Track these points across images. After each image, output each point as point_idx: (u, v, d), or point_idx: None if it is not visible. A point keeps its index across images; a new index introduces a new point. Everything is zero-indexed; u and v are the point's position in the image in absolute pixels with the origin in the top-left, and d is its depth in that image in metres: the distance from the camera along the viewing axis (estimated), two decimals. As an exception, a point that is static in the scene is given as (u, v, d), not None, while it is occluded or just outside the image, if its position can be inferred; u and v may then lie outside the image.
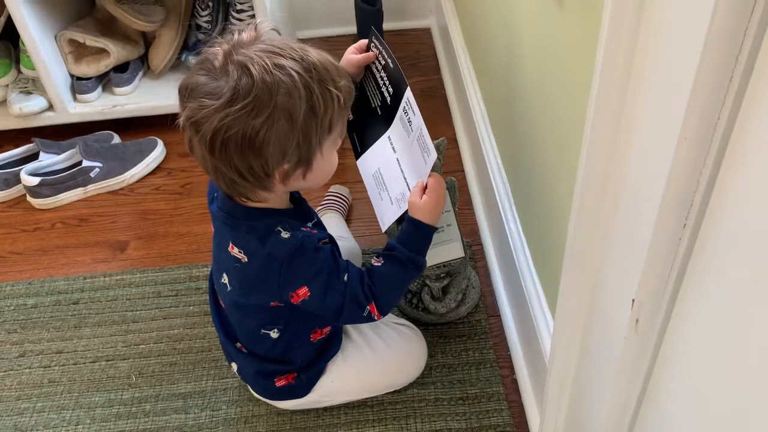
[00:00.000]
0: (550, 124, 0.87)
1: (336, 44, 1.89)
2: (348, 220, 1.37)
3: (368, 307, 0.89)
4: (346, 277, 0.87)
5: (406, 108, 0.92)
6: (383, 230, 0.95)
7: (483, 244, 1.29)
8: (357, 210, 1.40)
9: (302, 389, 1.03)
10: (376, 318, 0.90)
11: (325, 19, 1.91)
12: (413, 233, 0.91)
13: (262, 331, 0.95)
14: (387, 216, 0.94)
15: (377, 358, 1.04)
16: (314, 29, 1.92)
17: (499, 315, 1.17)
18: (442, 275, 1.10)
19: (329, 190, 1.39)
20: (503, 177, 1.17)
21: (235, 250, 0.87)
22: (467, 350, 1.12)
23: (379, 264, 0.90)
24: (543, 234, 0.96)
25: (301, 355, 1.00)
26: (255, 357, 1.00)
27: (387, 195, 0.95)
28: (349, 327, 1.06)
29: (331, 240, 0.91)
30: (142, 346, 1.17)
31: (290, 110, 0.76)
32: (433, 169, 0.97)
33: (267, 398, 1.05)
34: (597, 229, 0.63)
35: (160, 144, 1.57)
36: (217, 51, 0.78)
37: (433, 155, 0.84)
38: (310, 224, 0.91)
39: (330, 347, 1.03)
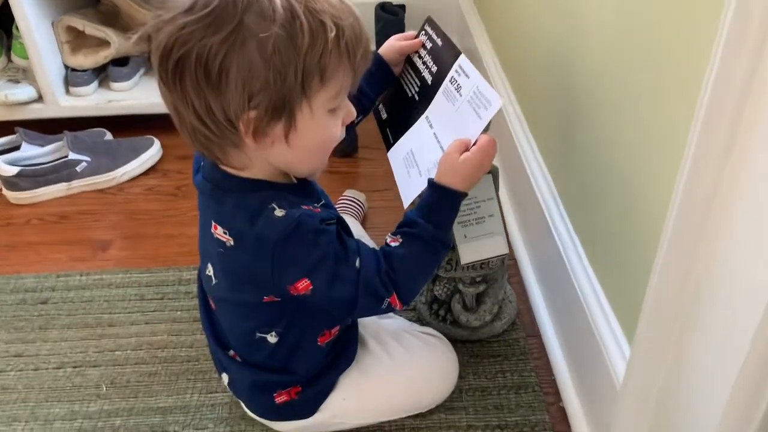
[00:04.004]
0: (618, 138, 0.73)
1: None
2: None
3: (388, 299, 0.73)
4: (358, 263, 0.71)
5: (455, 77, 0.81)
6: (405, 206, 0.80)
7: (517, 257, 1.13)
8: (372, 219, 1.25)
9: (307, 407, 0.85)
10: (397, 308, 0.74)
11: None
12: (438, 201, 0.74)
13: (258, 334, 0.78)
14: (412, 188, 0.80)
15: (399, 372, 0.87)
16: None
17: (539, 335, 1.00)
18: (477, 279, 0.93)
19: (344, 194, 1.24)
20: (542, 167, 1.03)
21: (218, 231, 0.71)
22: (504, 372, 0.94)
23: (397, 244, 0.74)
24: (607, 236, 0.81)
25: (306, 364, 0.82)
26: (250, 366, 0.83)
27: (416, 170, 0.82)
28: (366, 335, 0.89)
29: (339, 221, 0.75)
30: (117, 352, 0.99)
31: (259, 34, 0.59)
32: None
33: (263, 417, 0.87)
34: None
35: (157, 143, 1.42)
36: None
37: (495, 104, 0.71)
38: (317, 204, 0.74)
39: (342, 357, 0.85)
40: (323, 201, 0.77)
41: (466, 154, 0.73)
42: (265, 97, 0.62)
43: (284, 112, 0.64)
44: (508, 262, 1.12)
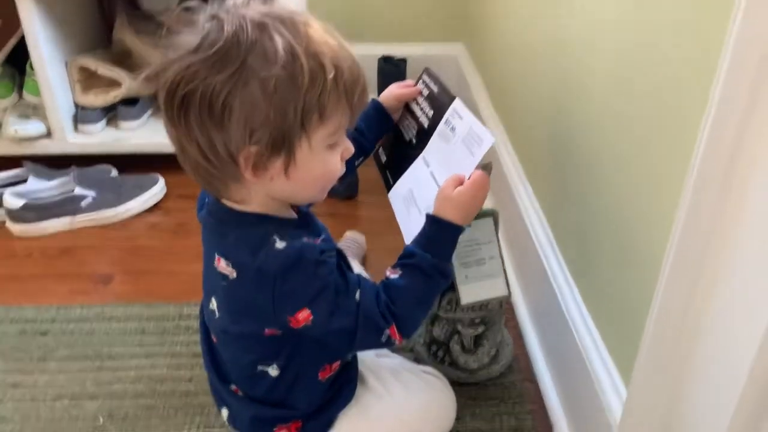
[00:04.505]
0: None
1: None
2: (362, 270, 1.24)
3: (387, 330, 0.74)
4: (358, 295, 0.73)
5: (450, 119, 0.86)
6: (407, 242, 0.82)
7: (513, 301, 1.15)
8: (372, 261, 1.27)
9: (307, 443, 0.85)
10: (397, 342, 0.75)
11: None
12: (436, 234, 0.77)
13: (259, 367, 0.79)
14: (413, 227, 0.82)
15: (398, 409, 0.87)
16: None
17: (536, 380, 1.01)
18: (476, 320, 0.95)
19: (345, 235, 1.26)
20: (539, 213, 1.06)
21: (221, 264, 0.73)
22: (500, 415, 0.95)
23: (397, 276, 0.76)
24: (604, 280, 0.83)
25: (307, 399, 0.83)
26: (251, 401, 0.83)
27: (416, 209, 0.85)
28: (365, 372, 0.90)
29: (339, 254, 0.77)
30: (116, 385, 0.99)
31: (261, 73, 0.63)
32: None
33: (262, 453, 0.87)
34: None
35: (161, 181, 1.45)
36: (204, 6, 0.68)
37: (487, 141, 0.74)
38: (317, 238, 0.76)
39: (342, 393, 0.86)
40: (323, 235, 0.80)
41: (459, 188, 0.76)
42: (265, 132, 0.65)
43: (284, 147, 0.67)
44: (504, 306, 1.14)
